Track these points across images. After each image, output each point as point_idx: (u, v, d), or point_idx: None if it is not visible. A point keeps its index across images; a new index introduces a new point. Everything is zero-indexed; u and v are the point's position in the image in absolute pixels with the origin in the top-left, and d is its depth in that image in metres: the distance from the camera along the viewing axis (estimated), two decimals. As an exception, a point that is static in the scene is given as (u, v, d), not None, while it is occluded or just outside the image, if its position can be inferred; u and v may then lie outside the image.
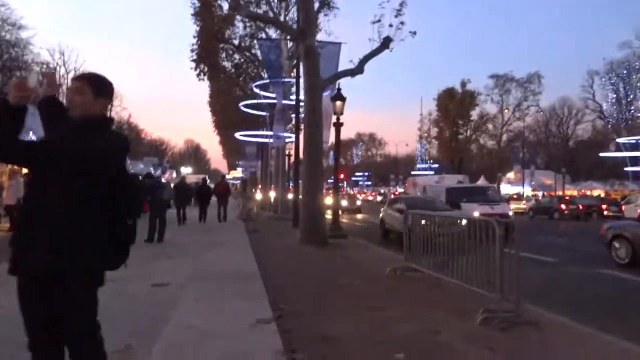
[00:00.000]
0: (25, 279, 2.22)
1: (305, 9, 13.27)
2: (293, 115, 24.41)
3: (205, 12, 21.73)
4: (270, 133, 24.28)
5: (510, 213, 18.12)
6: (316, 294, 6.35)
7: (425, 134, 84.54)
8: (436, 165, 77.08)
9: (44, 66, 35.67)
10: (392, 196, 55.38)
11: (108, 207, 2.30)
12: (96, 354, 2.34)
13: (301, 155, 16.53)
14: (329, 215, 15.45)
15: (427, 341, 4.45)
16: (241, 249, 10.65)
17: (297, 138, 18.39)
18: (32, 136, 19.38)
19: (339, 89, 15.69)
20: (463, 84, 68.47)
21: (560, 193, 46.06)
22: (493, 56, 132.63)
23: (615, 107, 62.34)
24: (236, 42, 23.55)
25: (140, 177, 11.89)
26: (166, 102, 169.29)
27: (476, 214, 14.29)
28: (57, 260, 2.15)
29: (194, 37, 22.30)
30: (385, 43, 13.38)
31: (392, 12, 12.99)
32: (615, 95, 62.30)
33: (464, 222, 6.33)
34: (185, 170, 76.43)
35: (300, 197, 13.63)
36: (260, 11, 21.66)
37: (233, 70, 27.41)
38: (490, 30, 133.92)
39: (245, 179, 59.83)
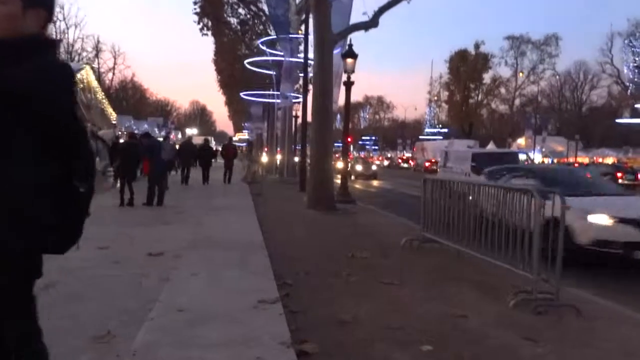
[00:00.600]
0: None
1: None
2: (301, 75, 23.44)
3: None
4: (277, 93, 23.36)
5: None
6: (325, 268, 5.77)
7: (435, 98, 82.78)
8: (445, 130, 75.74)
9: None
10: (426, 162, 53.89)
11: (47, 168, 1.61)
12: None
13: (309, 117, 15.78)
14: (338, 180, 14.84)
15: (455, 328, 3.86)
16: (245, 214, 10.08)
17: (305, 98, 17.52)
18: None
19: (350, 45, 14.76)
20: (477, 46, 66.13)
21: (572, 160, 45.04)
22: (509, 17, 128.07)
23: (636, 71, 60.04)
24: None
25: (137, 136, 11.18)
26: (173, 63, 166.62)
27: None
28: None
29: (197, -12, 21.16)
30: (403, -7, 12.36)
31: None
32: (638, 59, 59.85)
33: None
34: (191, 131, 75.65)
35: (308, 160, 12.95)
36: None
37: (239, 27, 26.24)
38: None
39: (252, 141, 59.05)
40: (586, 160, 46.90)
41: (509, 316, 4.18)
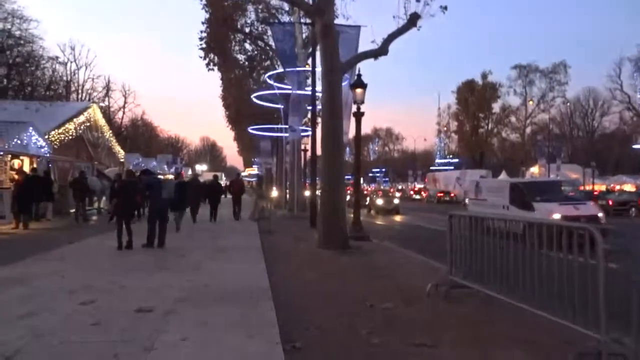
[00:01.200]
0: None
1: (321, -19, 11.77)
2: (309, 108, 23.02)
3: (215, -1, 20.46)
4: (285, 127, 22.89)
5: (601, 214, 13.63)
6: (341, 321, 4.93)
7: (445, 128, 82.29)
8: (456, 160, 74.88)
9: (54, 61, 34.98)
10: (439, 192, 52.51)
11: None
12: None
13: (318, 150, 15.15)
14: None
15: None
16: (251, 256, 9.27)
17: (313, 131, 16.95)
18: (31, 131, 18.38)
19: (359, 75, 14.28)
20: (484, 76, 66.16)
21: (588, 188, 43.74)
22: (514, 48, 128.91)
23: (646, 96, 59.20)
24: (247, 29, 22.23)
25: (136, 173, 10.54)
26: (183, 99, 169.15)
27: (556, 216, 12.26)
28: None
29: (203, 23, 21.03)
30: (412, 20, 11.85)
31: (420, -16, 11.45)
32: (648, 84, 59.09)
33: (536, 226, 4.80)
34: (201, 167, 75.68)
35: (319, 194, 12.19)
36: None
37: (246, 62, 26.13)
38: (511, 20, 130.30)
39: (261, 176, 58.70)
40: (603, 187, 45.59)
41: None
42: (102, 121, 27.37)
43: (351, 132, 16.69)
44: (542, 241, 4.46)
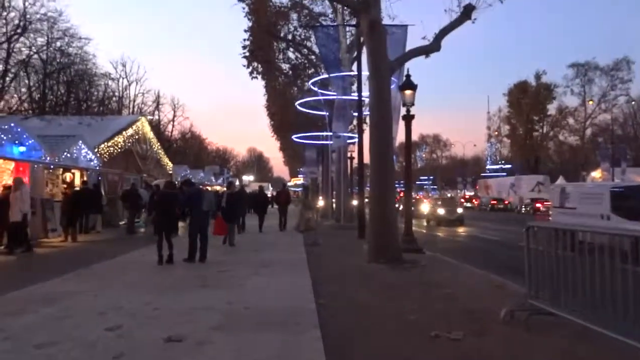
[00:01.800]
0: None
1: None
2: (355, 114, 22.27)
3: (258, 4, 20.18)
4: (330, 134, 22.24)
5: None
6: (401, 354, 4.10)
7: (495, 133, 79.07)
8: (509, 166, 71.64)
9: (107, 77, 36.28)
10: (492, 200, 46.80)
11: None
12: None
13: (366, 158, 14.35)
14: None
15: None
16: (296, 272, 8.58)
17: (360, 137, 16.18)
18: (80, 144, 18.69)
19: (408, 76, 13.42)
20: (537, 76, 62.95)
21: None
22: (568, 46, 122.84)
23: None
24: (290, 37, 21.83)
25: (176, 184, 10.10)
26: (231, 111, 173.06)
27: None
28: None
29: (246, 31, 20.86)
30: (467, 12, 10.92)
31: (475, -28, 10.52)
32: None
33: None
34: (248, 178, 76.49)
35: (368, 204, 11.37)
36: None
37: (290, 71, 25.82)
38: (563, 17, 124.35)
39: (307, 186, 58.41)
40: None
41: None
42: (150, 134, 27.81)
43: (400, 137, 15.81)
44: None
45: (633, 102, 57.92)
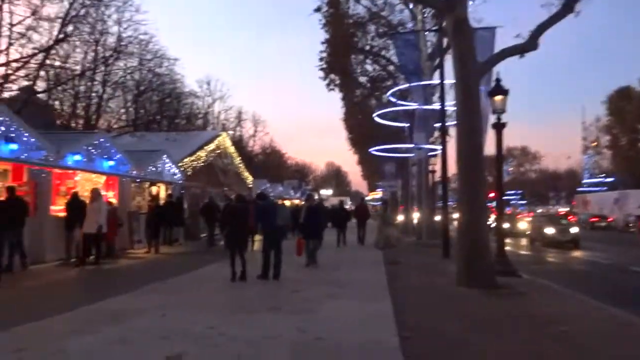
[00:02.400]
0: None
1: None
2: (437, 125, 21.06)
3: (335, 15, 19.90)
4: (410, 146, 21.18)
5: None
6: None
7: (594, 144, 72.38)
8: (610, 179, 65.01)
9: (193, 96, 38.12)
10: (591, 217, 40.12)
11: None
12: None
13: (450, 169, 13.26)
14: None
15: None
16: (375, 295, 7.76)
17: (444, 148, 15.05)
18: (165, 158, 19.34)
19: (497, 80, 12.23)
20: (643, 81, 56.71)
21: None
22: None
23: None
24: (367, 47, 21.28)
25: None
26: (309, 127, 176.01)
27: None
28: None
29: (322, 43, 20.61)
30: (570, 4, 9.61)
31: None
32: None
33: None
34: (326, 192, 76.70)
35: (456, 219, 10.29)
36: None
37: (368, 84, 25.25)
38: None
39: (386, 200, 57.14)
40: None
41: None
42: (231, 148, 28.48)
43: (488, 148, 14.47)
44: None
45: None
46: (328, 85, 21.21)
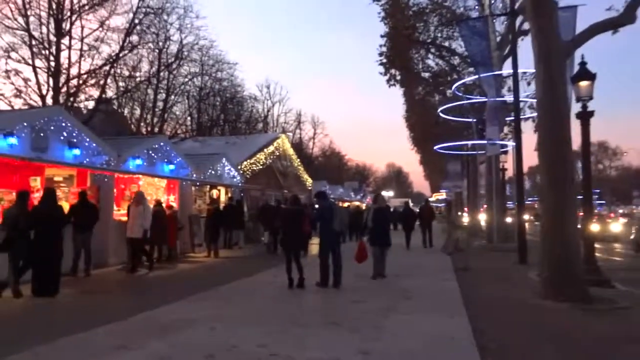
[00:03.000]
0: None
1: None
2: (508, 119, 19.47)
3: (395, 6, 18.93)
4: (478, 142, 19.75)
5: None
6: None
7: (685, 136, 65.45)
8: None
9: (254, 100, 38.54)
10: None
11: None
12: None
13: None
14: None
15: None
16: (448, 309, 6.84)
17: (518, 143, 13.68)
18: (224, 161, 19.32)
19: (582, 63, 10.87)
20: None
21: None
22: None
23: None
24: (430, 39, 20.08)
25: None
26: (369, 127, 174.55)
27: None
28: None
29: (382, 36, 19.69)
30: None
31: None
32: None
33: None
34: (387, 194, 75.12)
35: (538, 221, 9.10)
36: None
37: (430, 80, 24.02)
38: None
39: (450, 201, 54.89)
40: None
41: None
42: (290, 150, 28.22)
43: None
44: None
45: None
46: (388, 80, 20.25)
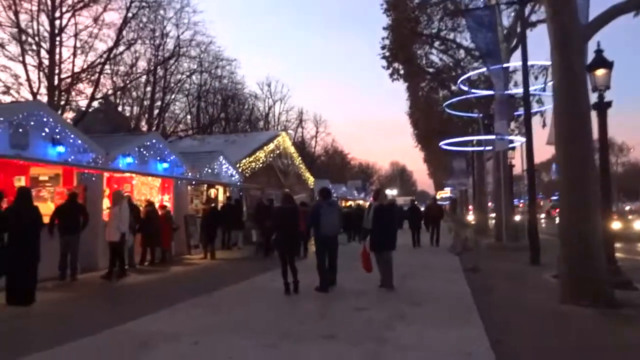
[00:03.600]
0: None
1: None
2: (516, 113, 18.76)
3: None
4: (485, 138, 19.06)
5: None
6: None
7: (694, 131, 64.44)
8: None
9: (254, 98, 37.90)
10: None
11: None
12: None
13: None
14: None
15: None
16: (461, 317, 6.18)
17: (529, 136, 12.98)
18: (221, 160, 18.66)
19: (598, 50, 10.21)
20: None
21: None
22: None
23: None
24: (434, 31, 19.34)
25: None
26: (372, 127, 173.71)
27: None
28: None
29: (384, 29, 18.94)
30: None
31: None
32: None
33: None
34: (391, 192, 74.36)
35: (558, 218, 8.40)
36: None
37: (434, 76, 23.29)
38: None
39: (455, 199, 54.11)
40: None
41: None
42: (291, 148, 27.58)
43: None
44: None
45: None
46: (392, 75, 19.54)
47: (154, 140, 13.82)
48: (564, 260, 7.40)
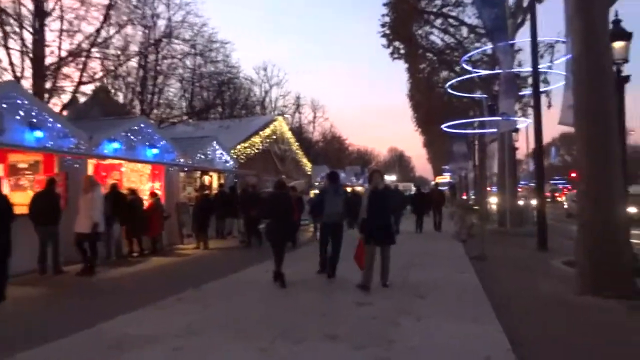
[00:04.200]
0: None
1: None
2: (523, 93, 18.04)
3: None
4: (492, 119, 18.33)
5: None
6: None
7: (696, 113, 63.75)
8: None
9: (250, 82, 36.99)
10: None
11: None
12: None
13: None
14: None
15: None
16: (473, 311, 5.58)
17: (537, 115, 12.30)
18: (215, 145, 17.99)
19: (616, 21, 9.61)
20: None
21: None
22: None
23: None
24: (436, 8, 18.53)
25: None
26: (371, 113, 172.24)
27: None
28: None
29: (384, 5, 18.12)
30: None
31: None
32: None
33: None
34: (390, 178, 73.72)
35: (577, 206, 7.77)
36: None
37: (435, 57, 22.52)
38: None
39: (454, 185, 53.51)
40: None
41: None
42: (288, 133, 26.87)
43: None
44: None
45: None
46: (392, 54, 18.79)
47: (142, 125, 13.09)
48: (584, 247, 6.79)
